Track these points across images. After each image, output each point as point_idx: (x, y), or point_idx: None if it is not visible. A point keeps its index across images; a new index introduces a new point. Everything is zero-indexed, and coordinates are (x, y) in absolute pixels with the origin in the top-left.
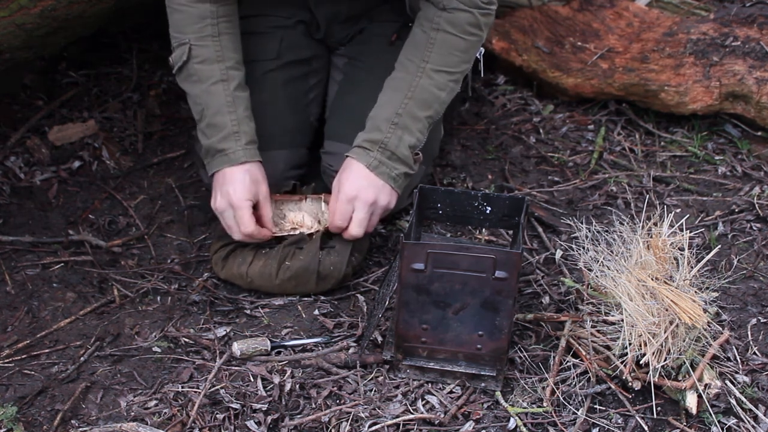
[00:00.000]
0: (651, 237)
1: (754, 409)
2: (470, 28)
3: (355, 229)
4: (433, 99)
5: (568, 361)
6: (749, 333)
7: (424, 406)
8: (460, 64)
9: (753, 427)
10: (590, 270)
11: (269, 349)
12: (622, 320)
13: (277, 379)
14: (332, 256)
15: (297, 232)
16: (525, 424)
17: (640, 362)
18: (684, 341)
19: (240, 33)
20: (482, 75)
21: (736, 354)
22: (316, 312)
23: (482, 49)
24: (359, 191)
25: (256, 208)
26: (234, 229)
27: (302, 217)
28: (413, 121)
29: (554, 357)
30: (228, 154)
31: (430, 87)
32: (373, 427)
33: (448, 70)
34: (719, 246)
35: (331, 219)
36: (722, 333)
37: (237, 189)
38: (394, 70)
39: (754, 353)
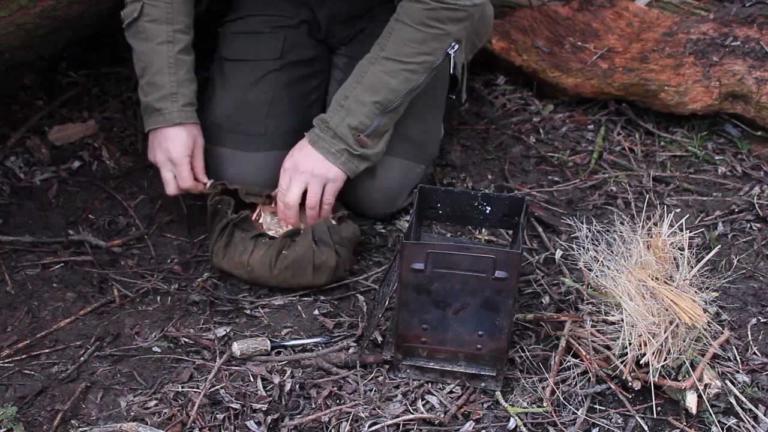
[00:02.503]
0: (651, 237)
1: (754, 409)
2: (428, 21)
3: (289, 193)
4: (381, 85)
5: (568, 361)
6: (749, 333)
7: (424, 406)
8: (416, 55)
9: (753, 427)
10: (590, 270)
11: (269, 349)
12: (622, 320)
13: (277, 379)
14: (321, 246)
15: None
16: (525, 424)
17: (640, 362)
18: (684, 341)
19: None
20: (459, 83)
21: (736, 354)
22: (316, 312)
23: (455, 45)
24: (293, 161)
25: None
26: (171, 183)
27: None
28: (357, 104)
29: (554, 357)
30: (164, 114)
31: (379, 73)
32: (373, 427)
33: (400, 59)
34: (719, 246)
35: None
36: (722, 333)
37: (176, 146)
38: None
39: (754, 353)
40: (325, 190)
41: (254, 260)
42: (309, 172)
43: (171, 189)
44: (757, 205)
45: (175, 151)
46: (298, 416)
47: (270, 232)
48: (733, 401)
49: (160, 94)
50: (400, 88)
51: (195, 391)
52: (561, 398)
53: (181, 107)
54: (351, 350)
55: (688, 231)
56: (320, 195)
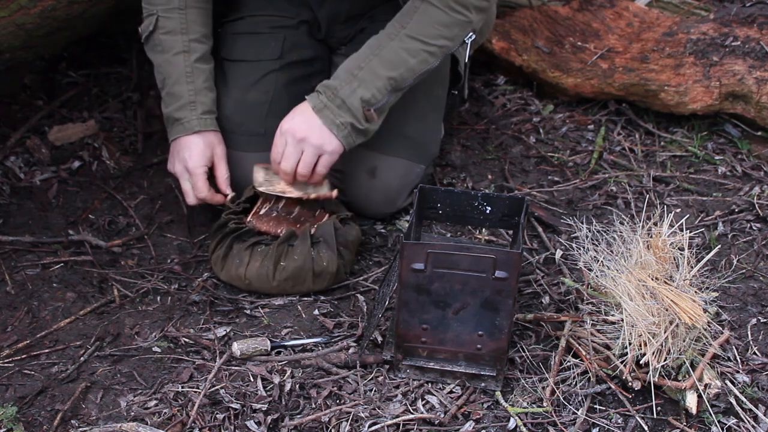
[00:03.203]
0: (651, 237)
1: (754, 409)
2: (456, 5)
3: (284, 162)
4: (400, 62)
5: (568, 361)
6: (749, 333)
7: (424, 406)
8: (439, 38)
9: (753, 427)
10: (590, 270)
11: (269, 349)
12: (622, 320)
13: (277, 379)
14: (322, 251)
15: (284, 195)
16: (525, 424)
17: (640, 362)
18: (684, 341)
19: (211, 8)
20: (462, 78)
21: (736, 354)
22: (316, 312)
23: (472, 35)
24: (293, 125)
25: (211, 171)
26: (189, 194)
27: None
28: (372, 77)
29: (554, 357)
30: (183, 123)
31: (399, 50)
32: (373, 427)
33: (423, 39)
34: (719, 246)
35: (283, 161)
36: (722, 333)
37: (192, 155)
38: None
39: (754, 353)
40: (320, 161)
41: (251, 273)
42: (306, 140)
43: (190, 199)
44: (757, 205)
45: (191, 161)
46: (298, 416)
47: (261, 189)
48: (733, 401)
49: (179, 104)
50: (417, 69)
51: (195, 391)
52: (561, 398)
53: (200, 115)
54: (351, 350)
55: (688, 231)
56: (313, 165)
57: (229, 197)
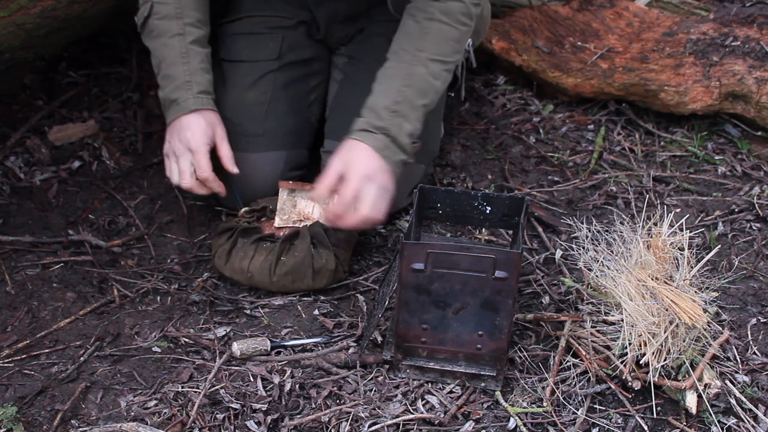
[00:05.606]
0: (651, 237)
1: (754, 409)
2: (462, 18)
3: (368, 210)
4: (429, 87)
5: (568, 361)
6: (749, 333)
7: (424, 406)
8: (453, 53)
9: (753, 427)
10: (590, 270)
11: (269, 349)
12: (622, 320)
13: (277, 379)
14: (320, 249)
15: (301, 225)
16: (525, 424)
17: (640, 362)
18: (684, 341)
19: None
20: (474, 65)
21: (736, 354)
22: (316, 312)
23: (470, 40)
24: (374, 172)
25: (213, 151)
26: (186, 174)
27: (312, 208)
28: (411, 110)
29: (554, 357)
30: (180, 103)
31: (426, 76)
32: (373, 427)
33: (443, 60)
34: (719, 246)
35: (338, 200)
36: (722, 333)
37: (195, 134)
38: (387, 61)
39: (754, 353)
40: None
41: (254, 266)
42: (383, 185)
43: (186, 180)
44: (757, 205)
45: (194, 140)
46: (298, 416)
47: (281, 221)
48: (733, 401)
49: (175, 85)
50: (441, 89)
51: (195, 391)
52: (561, 398)
53: (196, 94)
54: (351, 350)
55: (688, 231)
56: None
57: (241, 212)
